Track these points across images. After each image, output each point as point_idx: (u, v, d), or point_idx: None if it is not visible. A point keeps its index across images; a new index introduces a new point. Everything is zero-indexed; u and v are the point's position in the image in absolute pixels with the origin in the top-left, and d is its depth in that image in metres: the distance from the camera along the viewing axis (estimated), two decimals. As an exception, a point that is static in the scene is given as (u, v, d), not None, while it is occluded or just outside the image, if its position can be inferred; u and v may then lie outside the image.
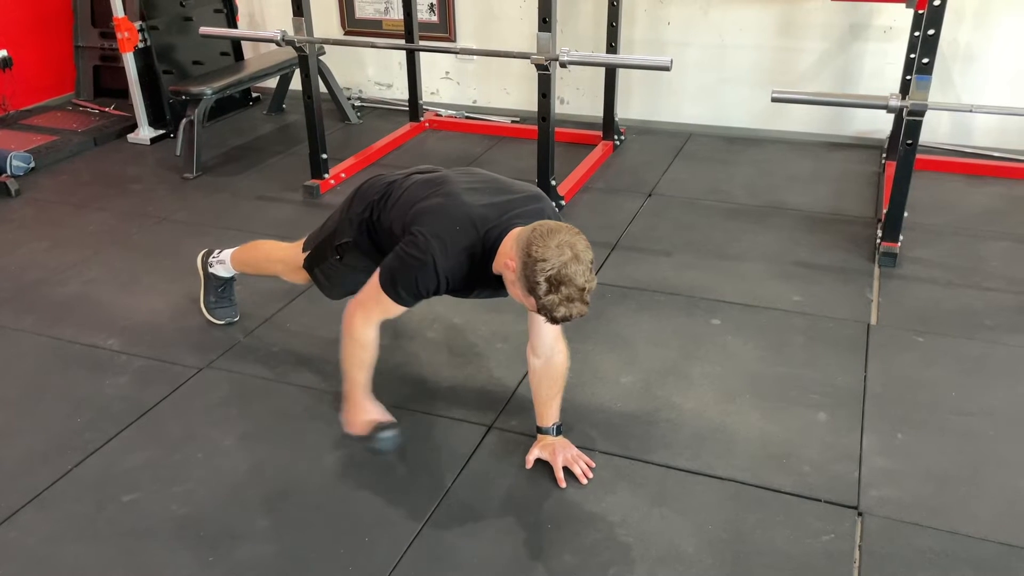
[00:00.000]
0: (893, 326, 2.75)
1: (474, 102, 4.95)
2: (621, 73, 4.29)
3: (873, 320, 2.79)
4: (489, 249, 1.96)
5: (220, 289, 2.82)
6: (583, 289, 1.79)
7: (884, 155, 4.03)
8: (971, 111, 3.16)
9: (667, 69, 3.08)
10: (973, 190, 3.76)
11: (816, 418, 2.34)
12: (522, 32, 4.56)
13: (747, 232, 3.43)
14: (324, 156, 3.86)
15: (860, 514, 2.01)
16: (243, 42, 5.11)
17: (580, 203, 3.71)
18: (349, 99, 4.95)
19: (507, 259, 1.87)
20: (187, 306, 2.92)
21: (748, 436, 2.28)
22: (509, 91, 4.85)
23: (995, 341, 2.66)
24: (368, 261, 2.29)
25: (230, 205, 3.81)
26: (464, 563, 1.91)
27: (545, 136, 3.40)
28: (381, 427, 2.02)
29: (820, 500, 2.05)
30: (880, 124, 4.17)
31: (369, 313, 2.07)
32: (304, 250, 2.46)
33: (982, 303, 2.88)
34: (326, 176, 3.90)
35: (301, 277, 2.53)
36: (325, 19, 4.88)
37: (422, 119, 4.67)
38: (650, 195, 3.80)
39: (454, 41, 4.77)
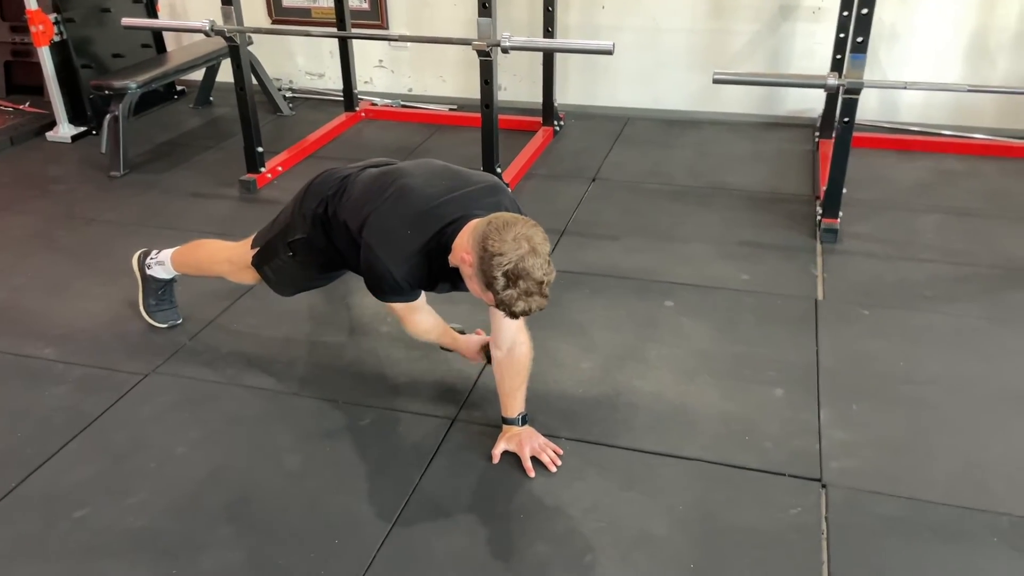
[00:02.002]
0: (839, 300, 2.81)
1: (409, 90, 4.88)
2: (558, 58, 4.27)
3: (820, 295, 2.85)
4: (445, 244, 1.92)
5: (160, 292, 2.71)
6: (541, 282, 1.76)
7: (817, 133, 4.12)
8: (905, 88, 3.24)
9: (610, 53, 3.07)
10: (904, 164, 3.87)
11: (773, 394, 2.38)
12: (456, 18, 4.51)
13: (691, 214, 3.47)
14: (260, 150, 3.75)
15: (824, 486, 2.05)
16: (164, 33, 4.91)
17: (525, 190, 3.69)
18: (280, 90, 4.82)
19: (463, 252, 1.84)
20: (125, 310, 2.80)
21: (709, 415, 2.30)
22: (445, 79, 4.79)
23: (935, 311, 2.75)
24: (322, 258, 2.24)
25: (162, 203, 3.67)
26: (437, 559, 1.88)
27: (489, 123, 3.36)
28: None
29: (784, 475, 2.09)
30: (812, 103, 4.27)
31: (404, 317, 2.19)
32: (253, 247, 2.38)
33: (921, 275, 2.97)
34: (263, 170, 3.78)
35: (249, 276, 2.45)
36: (250, 8, 4.72)
37: (358, 109, 4.58)
38: (594, 180, 3.81)
39: (386, 28, 4.69)
